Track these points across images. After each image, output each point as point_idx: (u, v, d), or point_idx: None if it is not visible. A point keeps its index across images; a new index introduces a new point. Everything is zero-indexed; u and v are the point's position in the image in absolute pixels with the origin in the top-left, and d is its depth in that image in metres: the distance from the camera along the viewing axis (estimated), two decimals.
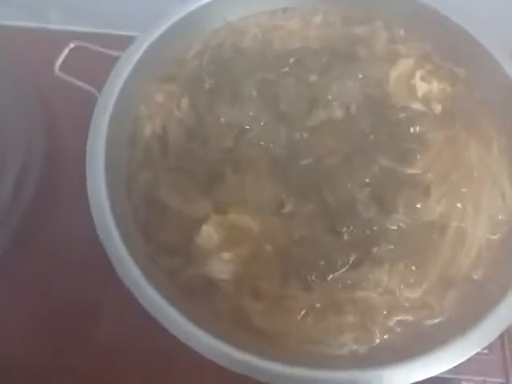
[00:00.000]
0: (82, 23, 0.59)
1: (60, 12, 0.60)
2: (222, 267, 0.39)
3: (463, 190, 0.41)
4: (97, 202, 0.39)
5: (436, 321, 0.38)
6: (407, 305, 0.38)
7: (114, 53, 0.47)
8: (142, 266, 0.37)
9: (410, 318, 0.38)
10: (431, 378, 0.35)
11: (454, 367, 0.35)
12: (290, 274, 0.39)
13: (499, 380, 0.43)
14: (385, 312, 0.38)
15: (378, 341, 0.37)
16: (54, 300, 0.47)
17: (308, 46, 0.48)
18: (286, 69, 0.47)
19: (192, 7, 0.49)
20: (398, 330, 0.38)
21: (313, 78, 0.47)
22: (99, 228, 0.38)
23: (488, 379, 0.43)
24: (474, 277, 0.39)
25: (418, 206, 0.40)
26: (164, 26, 0.47)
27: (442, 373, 0.35)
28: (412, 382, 0.35)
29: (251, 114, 0.45)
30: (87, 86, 0.46)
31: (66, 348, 0.46)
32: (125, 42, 0.47)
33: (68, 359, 0.45)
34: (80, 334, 0.46)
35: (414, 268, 0.39)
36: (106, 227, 0.38)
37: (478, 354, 0.36)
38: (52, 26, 0.61)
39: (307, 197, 0.41)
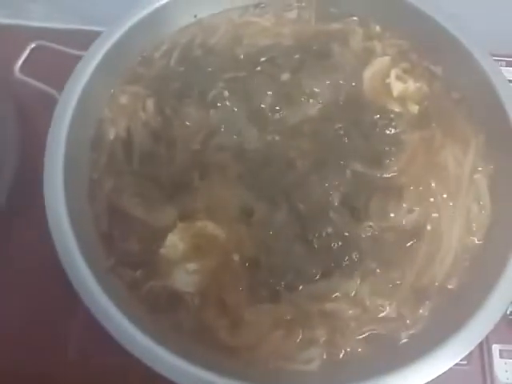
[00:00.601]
0: (44, 19, 0.56)
1: (20, 7, 0.58)
2: (186, 279, 0.37)
3: (438, 194, 0.39)
4: (54, 211, 0.37)
5: (410, 332, 0.36)
6: (379, 316, 0.36)
7: (77, 52, 0.45)
8: (100, 279, 0.35)
9: (381, 329, 0.36)
10: None
11: (433, 380, 0.33)
12: (257, 286, 0.37)
13: None
14: (356, 324, 0.36)
15: (348, 355, 0.36)
16: (17, 313, 0.45)
17: (280, 43, 0.46)
18: (258, 68, 0.45)
19: (160, 3, 0.46)
20: (370, 342, 0.36)
21: (285, 76, 0.45)
22: (56, 239, 0.36)
23: None
24: (449, 286, 0.37)
25: (391, 212, 0.38)
26: (129, 22, 0.45)
27: None
28: None
29: (220, 115, 0.43)
30: (48, 88, 0.44)
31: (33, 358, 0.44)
32: (89, 40, 0.45)
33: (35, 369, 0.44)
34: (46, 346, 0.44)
35: (386, 278, 0.37)
36: (63, 237, 0.36)
37: (456, 365, 0.35)
38: (11, 22, 0.58)
39: (277, 204, 0.39)
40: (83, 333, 0.42)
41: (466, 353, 0.34)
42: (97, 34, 0.45)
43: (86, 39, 0.45)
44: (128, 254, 0.38)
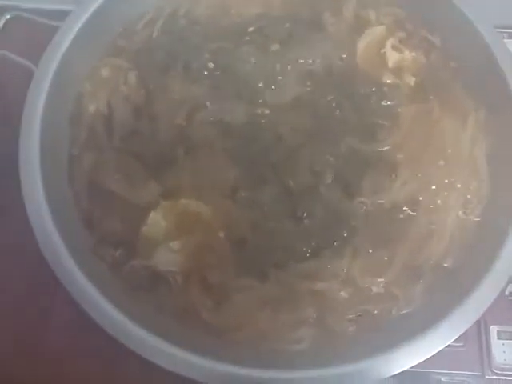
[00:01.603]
0: None
1: None
2: (169, 257, 0.36)
3: (434, 169, 0.38)
4: (30, 189, 0.36)
5: (403, 312, 0.35)
6: (370, 295, 0.35)
7: (55, 23, 0.42)
8: (80, 260, 0.34)
9: (373, 309, 0.35)
10: (403, 372, 0.33)
11: (428, 361, 0.32)
12: (244, 264, 0.35)
13: (475, 373, 0.40)
14: (346, 303, 0.35)
15: (339, 334, 0.34)
16: None
17: (269, 13, 0.44)
18: (245, 38, 0.43)
19: None
20: (361, 322, 0.35)
21: (274, 47, 0.42)
22: (32, 220, 0.35)
23: (464, 373, 0.41)
24: (445, 264, 0.36)
25: (385, 188, 0.37)
26: None
27: (414, 367, 0.32)
28: (378, 378, 0.33)
29: (206, 88, 0.41)
30: (24, 61, 0.41)
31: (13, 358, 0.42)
32: (68, 10, 0.43)
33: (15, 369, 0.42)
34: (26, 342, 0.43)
35: (378, 256, 0.35)
36: (41, 217, 0.35)
37: (452, 347, 0.34)
38: None
39: (265, 180, 0.38)
40: (66, 316, 0.41)
41: (460, 333, 0.33)
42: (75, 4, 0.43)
43: (64, 9, 0.43)
44: (109, 233, 0.37)
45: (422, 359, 0.32)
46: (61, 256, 0.34)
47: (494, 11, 0.48)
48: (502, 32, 0.53)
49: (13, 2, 0.48)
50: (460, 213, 0.37)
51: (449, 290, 0.35)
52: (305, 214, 0.37)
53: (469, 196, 0.38)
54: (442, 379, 0.40)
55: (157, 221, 0.37)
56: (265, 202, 0.37)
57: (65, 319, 0.40)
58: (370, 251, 0.36)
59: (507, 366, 0.40)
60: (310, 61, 0.42)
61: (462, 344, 0.40)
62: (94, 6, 0.42)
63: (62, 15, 0.42)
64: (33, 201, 0.35)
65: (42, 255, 0.35)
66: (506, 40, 0.52)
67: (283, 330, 0.34)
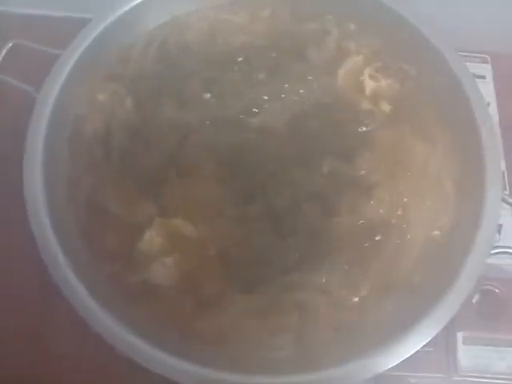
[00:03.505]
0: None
1: None
2: (164, 272, 0.39)
3: (406, 191, 0.41)
4: (34, 207, 0.38)
5: (376, 322, 0.38)
6: (347, 306, 0.38)
7: (55, 51, 0.45)
8: (81, 273, 0.37)
9: (348, 319, 0.38)
10: (378, 376, 0.36)
11: (400, 365, 0.35)
12: (231, 278, 0.38)
13: (443, 375, 0.45)
14: (324, 313, 0.38)
15: (318, 342, 0.37)
16: None
17: (255, 42, 0.47)
18: (234, 67, 0.46)
19: (135, 1, 0.47)
20: (338, 330, 0.38)
21: (261, 76, 0.46)
22: (37, 237, 0.37)
23: (432, 375, 0.45)
24: (414, 279, 0.39)
25: (360, 208, 0.40)
26: (106, 21, 0.45)
27: (388, 371, 0.35)
28: (356, 382, 0.36)
29: (197, 114, 0.44)
30: (26, 86, 0.44)
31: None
32: (67, 37, 0.45)
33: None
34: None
35: (353, 271, 0.39)
36: (43, 233, 0.37)
37: (422, 352, 0.37)
38: None
39: (252, 199, 0.41)
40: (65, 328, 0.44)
41: (427, 340, 0.36)
42: (74, 27, 0.46)
43: (63, 37, 0.46)
44: (107, 249, 0.40)
45: (396, 363, 0.35)
46: (62, 269, 0.36)
47: (466, 37, 0.53)
48: (474, 57, 0.57)
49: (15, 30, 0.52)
50: (429, 232, 0.41)
51: (417, 302, 0.38)
52: (288, 231, 0.40)
53: (436, 218, 0.41)
54: (413, 381, 0.44)
55: (152, 238, 0.40)
56: (251, 220, 0.40)
57: (64, 325, 0.43)
58: (347, 266, 0.39)
59: (471, 369, 0.44)
60: (295, 89, 0.45)
61: (431, 349, 0.44)
62: (92, 35, 0.45)
63: (63, 43, 0.46)
64: (36, 219, 0.38)
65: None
66: (478, 64, 0.57)
67: (266, 338, 0.37)
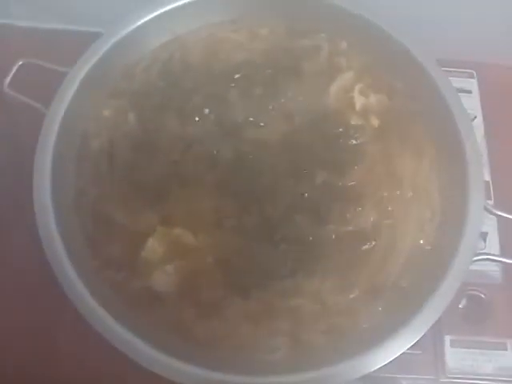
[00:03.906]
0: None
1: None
2: (165, 280, 0.41)
3: (394, 201, 0.44)
4: (43, 218, 0.41)
5: (364, 325, 0.40)
6: (337, 310, 0.40)
7: (63, 68, 0.48)
8: (87, 280, 0.39)
9: (339, 322, 0.40)
10: (368, 377, 0.38)
11: (390, 367, 0.38)
12: (229, 285, 0.41)
13: (431, 377, 0.47)
14: (316, 317, 0.40)
15: (309, 344, 0.40)
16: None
17: (253, 59, 0.50)
18: (233, 84, 0.48)
19: (140, 21, 0.49)
20: (329, 333, 0.40)
21: (257, 91, 0.48)
22: (45, 243, 0.40)
23: (421, 377, 0.47)
24: (402, 284, 0.41)
25: (350, 217, 0.42)
26: (111, 41, 0.48)
27: (377, 372, 0.38)
28: (346, 381, 0.38)
29: (198, 128, 0.47)
30: (35, 103, 0.47)
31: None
32: (74, 54, 0.48)
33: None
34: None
35: (344, 277, 0.41)
36: (52, 243, 0.40)
37: (411, 354, 0.40)
38: None
39: (248, 210, 0.43)
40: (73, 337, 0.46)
41: (414, 341, 0.38)
42: (80, 41, 0.48)
43: (71, 54, 0.48)
44: (111, 258, 0.42)
45: (384, 363, 0.38)
46: (69, 276, 0.39)
47: (451, 51, 0.55)
48: (461, 71, 0.60)
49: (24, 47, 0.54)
50: (415, 239, 0.43)
51: (405, 306, 0.40)
52: (282, 240, 0.42)
53: (423, 224, 0.44)
54: (404, 382, 0.47)
55: (154, 246, 0.42)
56: (247, 229, 0.43)
57: (72, 331, 0.46)
58: (338, 273, 0.41)
59: (458, 371, 0.46)
60: (289, 104, 0.47)
61: (420, 352, 0.46)
62: (97, 54, 0.47)
63: (71, 59, 0.48)
64: (45, 228, 0.40)
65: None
66: (464, 79, 0.60)
67: (261, 341, 0.40)
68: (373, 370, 0.37)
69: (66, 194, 0.44)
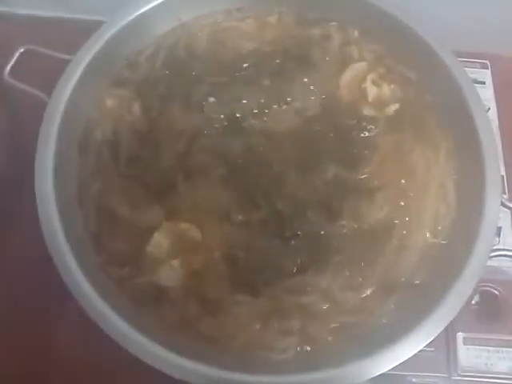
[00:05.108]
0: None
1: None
2: (171, 275, 0.40)
3: (408, 195, 0.42)
4: (46, 210, 0.39)
5: (377, 323, 0.39)
6: (349, 308, 0.39)
7: (65, 56, 0.46)
8: (91, 276, 0.38)
9: (351, 320, 0.39)
10: (383, 375, 0.37)
11: (402, 365, 0.36)
12: (237, 281, 0.39)
13: (443, 375, 0.45)
14: (327, 315, 0.39)
15: (321, 343, 0.38)
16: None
17: (262, 48, 0.48)
18: (240, 73, 0.47)
19: (145, 7, 0.48)
20: (341, 332, 0.39)
21: (266, 81, 0.47)
22: (48, 240, 0.38)
23: (433, 374, 0.45)
24: (415, 281, 0.40)
25: (363, 212, 0.41)
26: (115, 27, 0.46)
27: (389, 370, 0.37)
28: (358, 381, 0.37)
29: (204, 119, 0.45)
30: (37, 92, 0.45)
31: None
32: (77, 41, 0.46)
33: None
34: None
35: (356, 273, 0.40)
36: (55, 237, 0.38)
37: (424, 351, 0.38)
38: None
39: (257, 204, 0.42)
40: (73, 331, 0.45)
41: (429, 341, 0.37)
42: (83, 29, 0.46)
43: (73, 40, 0.46)
44: (116, 253, 0.41)
45: (398, 363, 0.36)
46: (73, 273, 0.37)
47: (465, 42, 0.54)
48: (474, 61, 0.58)
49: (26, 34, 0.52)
50: (430, 235, 0.42)
51: (419, 303, 0.39)
52: (292, 235, 0.41)
53: (439, 219, 0.42)
54: (414, 380, 0.45)
55: (160, 241, 0.41)
56: (256, 225, 0.41)
57: (75, 329, 0.44)
58: (349, 269, 0.40)
59: (470, 369, 0.45)
60: (299, 94, 0.46)
61: (432, 349, 0.45)
62: (101, 42, 0.46)
63: (72, 44, 0.46)
64: (48, 223, 0.39)
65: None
66: (478, 69, 0.58)
67: (271, 340, 0.38)
68: (386, 370, 0.36)
69: (69, 186, 0.43)
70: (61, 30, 0.56)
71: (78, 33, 0.47)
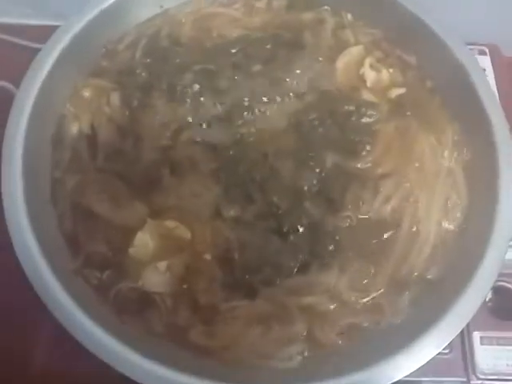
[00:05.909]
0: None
1: None
2: (157, 279, 0.35)
3: (415, 183, 0.39)
4: (13, 211, 0.35)
5: (390, 324, 0.35)
6: (358, 308, 0.36)
7: (35, 45, 0.43)
8: (65, 283, 0.33)
9: (361, 322, 0.35)
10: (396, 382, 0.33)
11: (419, 369, 0.33)
12: (232, 283, 0.35)
13: (461, 379, 0.41)
14: (335, 317, 0.35)
15: (329, 348, 0.35)
16: None
17: (251, 34, 0.45)
18: (228, 59, 0.43)
19: None
20: (350, 335, 0.35)
21: (257, 68, 0.43)
22: (16, 243, 0.34)
23: (450, 379, 0.41)
24: (428, 276, 0.37)
25: (368, 202, 0.38)
26: (92, 13, 0.43)
27: (406, 376, 0.33)
28: None
29: (190, 109, 0.41)
30: (4, 83, 0.41)
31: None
32: (47, 33, 0.43)
33: None
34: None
35: (364, 269, 0.36)
36: (24, 240, 0.34)
37: (440, 354, 0.35)
38: None
39: (251, 198, 0.38)
40: (50, 342, 0.40)
41: (447, 343, 0.33)
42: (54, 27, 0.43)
43: (43, 32, 0.43)
44: (95, 255, 0.37)
45: (412, 370, 0.33)
46: (45, 279, 0.33)
47: (464, 28, 0.51)
48: (472, 49, 0.56)
49: None
50: (441, 225, 0.38)
51: (434, 301, 0.36)
52: (291, 230, 0.37)
53: (449, 208, 0.39)
54: None
55: (144, 241, 0.36)
56: (251, 220, 0.38)
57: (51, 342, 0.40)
58: (356, 265, 0.36)
59: (490, 371, 0.41)
60: (292, 81, 0.42)
61: (447, 351, 0.41)
62: (76, 28, 0.42)
63: (42, 34, 0.43)
64: (15, 223, 0.35)
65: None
66: (476, 56, 0.56)
67: (274, 347, 0.34)
68: (401, 377, 0.33)
69: (40, 184, 0.39)
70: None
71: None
